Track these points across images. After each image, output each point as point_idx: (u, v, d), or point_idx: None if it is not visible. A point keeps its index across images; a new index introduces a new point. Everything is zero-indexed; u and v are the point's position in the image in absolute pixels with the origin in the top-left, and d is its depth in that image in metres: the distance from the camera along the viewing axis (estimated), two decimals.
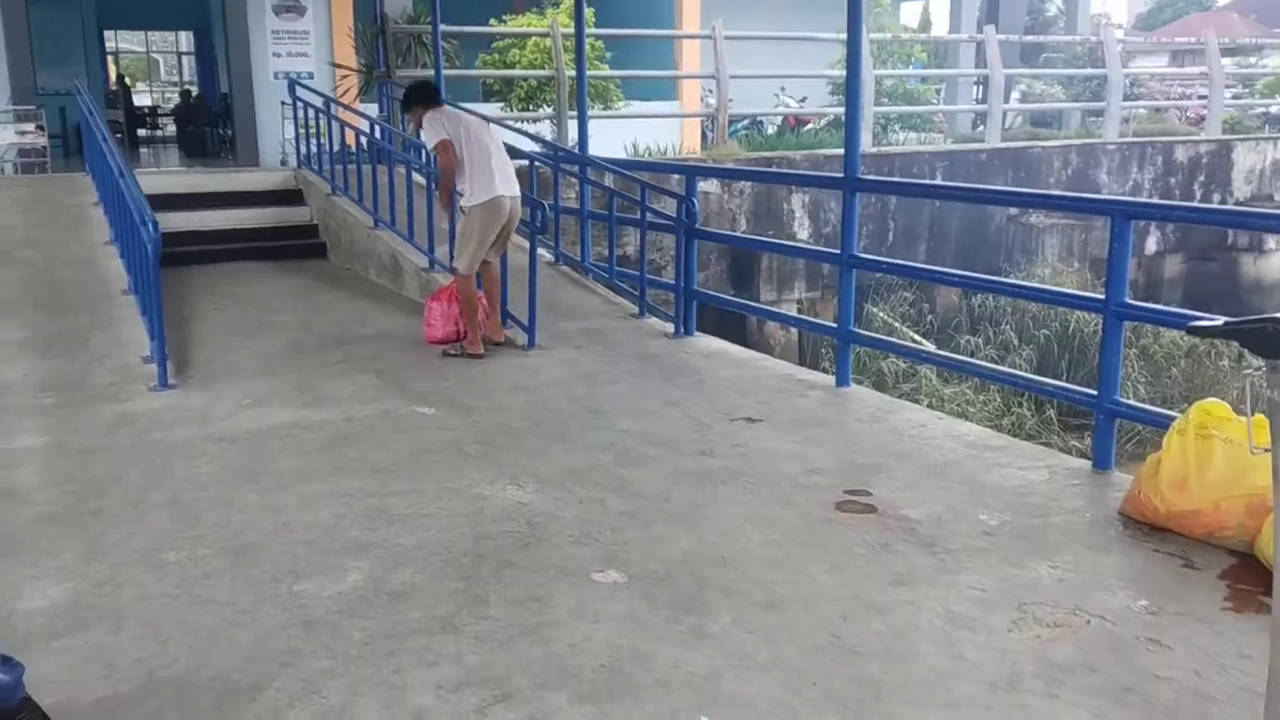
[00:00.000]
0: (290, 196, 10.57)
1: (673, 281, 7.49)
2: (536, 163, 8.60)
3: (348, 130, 9.83)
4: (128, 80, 25.02)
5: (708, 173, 10.37)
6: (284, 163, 13.78)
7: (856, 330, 6.24)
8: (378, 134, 9.65)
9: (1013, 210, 13.35)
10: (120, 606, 3.38)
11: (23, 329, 6.59)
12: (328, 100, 9.72)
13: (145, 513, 4.14)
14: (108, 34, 22.13)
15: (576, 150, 9.09)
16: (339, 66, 13.47)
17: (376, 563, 3.68)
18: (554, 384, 5.96)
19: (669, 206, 7.76)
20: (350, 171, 9.46)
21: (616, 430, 5.14)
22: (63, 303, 7.04)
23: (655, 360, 6.49)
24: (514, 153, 8.79)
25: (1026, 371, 10.76)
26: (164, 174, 11.16)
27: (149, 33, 25.72)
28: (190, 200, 10.11)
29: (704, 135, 17.28)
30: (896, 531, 3.91)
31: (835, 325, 6.18)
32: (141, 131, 20.36)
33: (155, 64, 28.47)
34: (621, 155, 13.36)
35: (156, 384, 5.83)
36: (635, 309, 7.60)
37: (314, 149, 10.45)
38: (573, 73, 12.44)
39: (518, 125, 11.70)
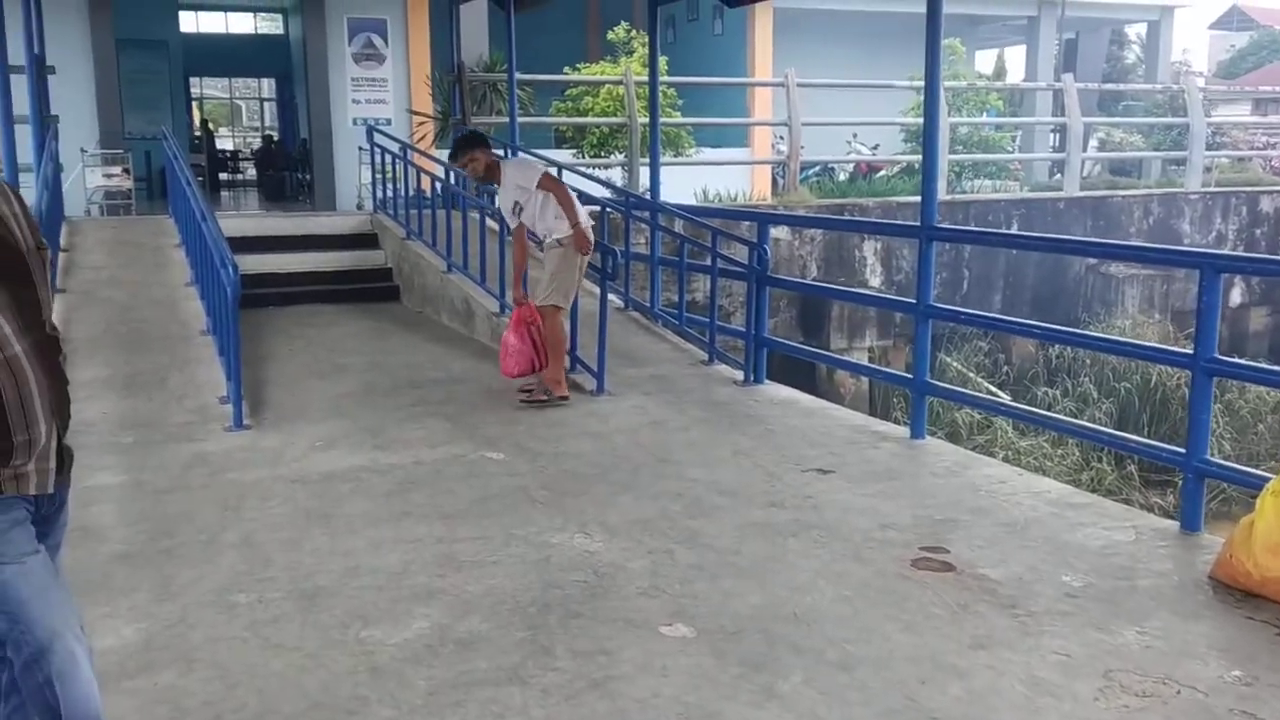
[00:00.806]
0: (366, 240, 10.75)
1: (742, 328, 7.45)
2: (608, 209, 8.65)
3: (423, 175, 10.00)
4: (211, 125, 25.81)
5: (780, 220, 10.37)
6: (360, 207, 14.06)
7: (932, 381, 6.14)
8: (452, 179, 9.80)
9: (1091, 260, 13.11)
10: (190, 648, 3.40)
11: (104, 367, 6.74)
12: (404, 146, 9.90)
13: (217, 553, 4.18)
14: (193, 81, 22.86)
15: (648, 197, 9.13)
16: (416, 113, 13.74)
17: (444, 610, 3.66)
18: (623, 431, 5.94)
19: (740, 253, 7.74)
20: (425, 216, 9.60)
21: (685, 479, 5.10)
22: (143, 342, 7.21)
23: (724, 408, 6.44)
24: (585, 199, 8.89)
25: (1106, 425, 10.52)
26: (243, 217, 11.44)
27: (232, 80, 26.51)
28: (268, 243, 10.33)
29: (775, 182, 17.29)
30: (975, 591, 3.80)
31: (909, 376, 6.09)
32: (223, 175, 20.92)
33: (238, 110, 29.32)
34: (692, 202, 13.41)
35: (232, 424, 5.91)
36: (704, 356, 7.57)
37: (390, 194, 10.64)
38: (645, 120, 12.57)
39: (589, 171, 11.83)
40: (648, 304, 8.52)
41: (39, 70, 9.97)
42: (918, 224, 5.79)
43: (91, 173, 13.28)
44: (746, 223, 9.11)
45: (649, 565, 4.05)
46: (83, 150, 13.15)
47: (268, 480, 5.09)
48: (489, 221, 8.53)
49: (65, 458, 2.32)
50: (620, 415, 6.26)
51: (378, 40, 15.22)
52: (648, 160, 12.90)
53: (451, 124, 12.09)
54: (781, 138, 18.60)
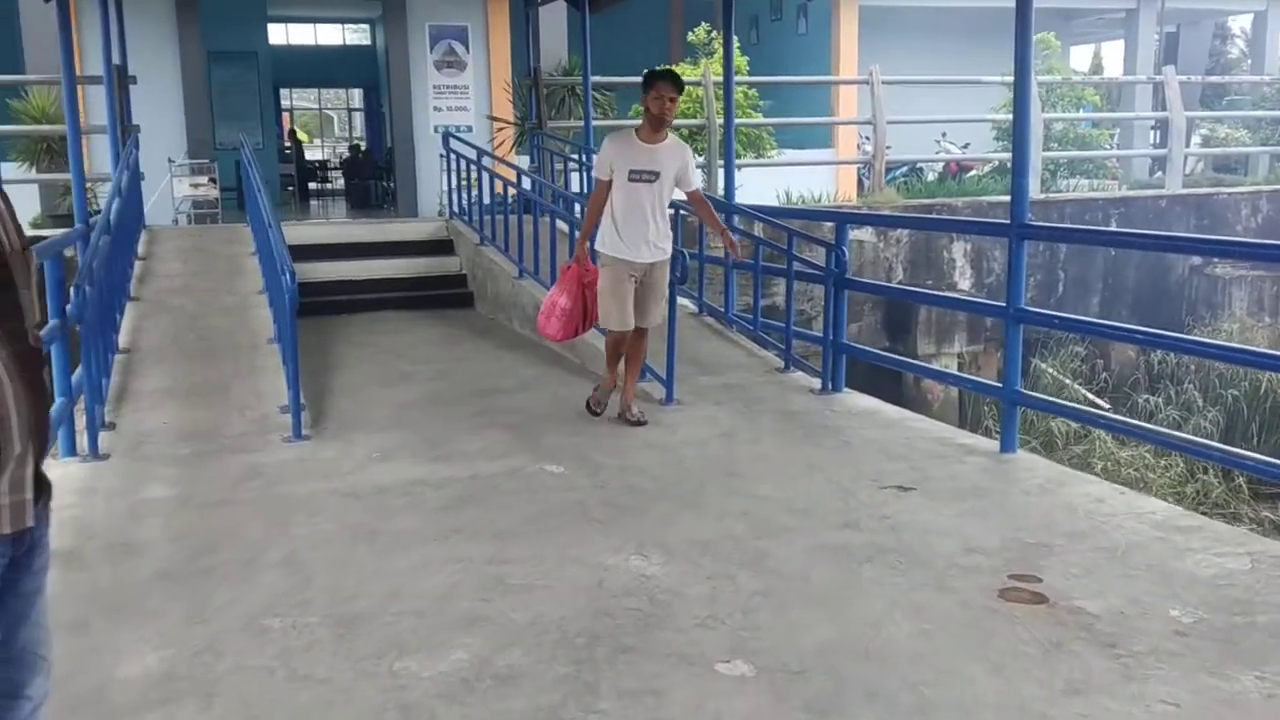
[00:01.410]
0: (441, 247, 10.60)
1: (821, 334, 7.06)
2: (682, 211, 8.33)
3: (497, 181, 9.80)
4: (301, 136, 26.14)
5: (860, 219, 9.94)
6: (441, 214, 13.98)
7: (1024, 391, 5.69)
8: (526, 184, 9.59)
9: (1196, 260, 12.39)
10: (214, 679, 3.17)
11: (168, 376, 6.64)
12: (479, 152, 9.71)
13: (256, 573, 3.97)
14: (283, 92, 23.14)
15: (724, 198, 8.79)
16: (495, 119, 13.60)
17: (485, 640, 3.38)
18: (690, 443, 5.62)
19: (819, 256, 7.36)
20: (499, 222, 9.39)
21: (754, 496, 4.75)
22: (209, 350, 7.10)
23: (799, 419, 6.06)
24: None
25: (1213, 435, 9.87)
26: (321, 225, 11.40)
27: (322, 90, 26.83)
28: (345, 250, 10.25)
29: (860, 182, 16.80)
30: (1071, 627, 3.39)
31: (1000, 385, 5.65)
32: (312, 185, 21.11)
33: (330, 120, 29.70)
34: (774, 204, 13.02)
35: (291, 435, 5.74)
36: (780, 363, 7.20)
37: (466, 200, 10.47)
38: (724, 121, 12.22)
39: None
40: (722, 309, 8.18)
41: (119, 80, 10.01)
42: (1007, 222, 5.36)
43: (179, 182, 13.41)
44: (827, 224, 8.73)
45: (708, 592, 3.72)
46: (170, 160, 13.28)
47: (320, 494, 4.88)
48: (559, 224, 8.29)
49: (43, 487, 2.06)
50: (689, 426, 5.93)
51: (459, 47, 15.14)
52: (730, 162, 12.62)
53: (527, 129, 11.89)
54: (867, 137, 18.10)
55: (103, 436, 5.67)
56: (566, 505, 4.68)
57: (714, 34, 14.12)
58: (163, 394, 6.38)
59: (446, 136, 10.62)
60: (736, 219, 8.41)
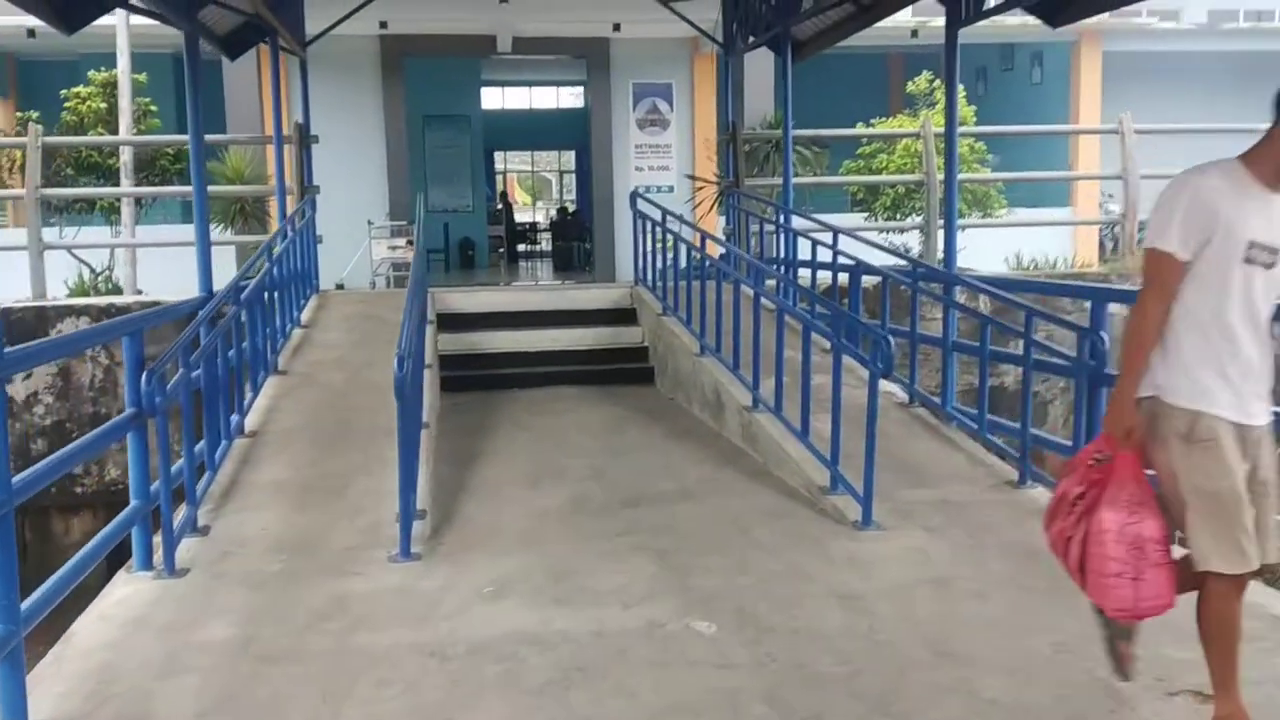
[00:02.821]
0: (624, 315, 9.47)
1: (1069, 441, 5.43)
2: (891, 279, 6.89)
3: (687, 245, 8.59)
4: (522, 198, 26.03)
5: (1121, 296, 8.07)
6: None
7: None
8: (717, 248, 8.34)
9: None
10: None
11: (289, 466, 5.71)
12: (664, 212, 8.55)
13: None
14: (497, 154, 22.97)
15: (943, 265, 7.27)
16: (694, 178, 12.49)
17: None
18: (889, 593, 4.14)
19: (1064, 338, 5.74)
20: (681, 289, 8.17)
21: (977, 696, 3.25)
22: (342, 435, 6.15)
23: (1042, 560, 4.42)
24: (866, 268, 7.15)
25: None
26: (501, 291, 10.51)
27: (536, 153, 26.67)
28: (522, 319, 9.27)
29: (1101, 245, 14.75)
30: None
31: None
32: (522, 246, 20.69)
33: (547, 183, 29.60)
34: (1003, 269, 11.28)
35: (397, 553, 4.63)
36: (1014, 474, 5.59)
37: (653, 265, 9.32)
38: (940, 175, 10.64)
39: (882, 237, 10.08)
40: (938, 398, 6.62)
41: (299, 139, 9.47)
42: None
43: (377, 244, 12.93)
44: (1069, 299, 7.06)
45: None
46: (369, 222, 12.84)
47: (402, 649, 3.70)
48: (743, 289, 6.99)
49: None
50: (889, 565, 4.45)
51: (662, 105, 14.20)
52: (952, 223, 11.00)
53: (724, 187, 10.68)
54: (1110, 195, 15.97)
55: (189, 545, 4.73)
56: (712, 694, 3.31)
57: (935, 83, 12.57)
58: (275, 489, 5.43)
59: (634, 196, 9.52)
60: (959, 291, 6.87)
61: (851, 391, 5.49)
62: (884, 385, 6.52)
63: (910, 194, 11.69)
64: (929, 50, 16.86)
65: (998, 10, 6.31)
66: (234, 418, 6.00)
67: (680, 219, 8.48)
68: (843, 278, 7.86)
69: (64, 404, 8.70)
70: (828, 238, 8.09)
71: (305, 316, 8.50)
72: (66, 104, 10.69)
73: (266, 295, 7.18)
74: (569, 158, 24.85)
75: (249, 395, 6.43)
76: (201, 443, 5.33)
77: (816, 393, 5.69)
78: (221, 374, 5.67)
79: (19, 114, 13.60)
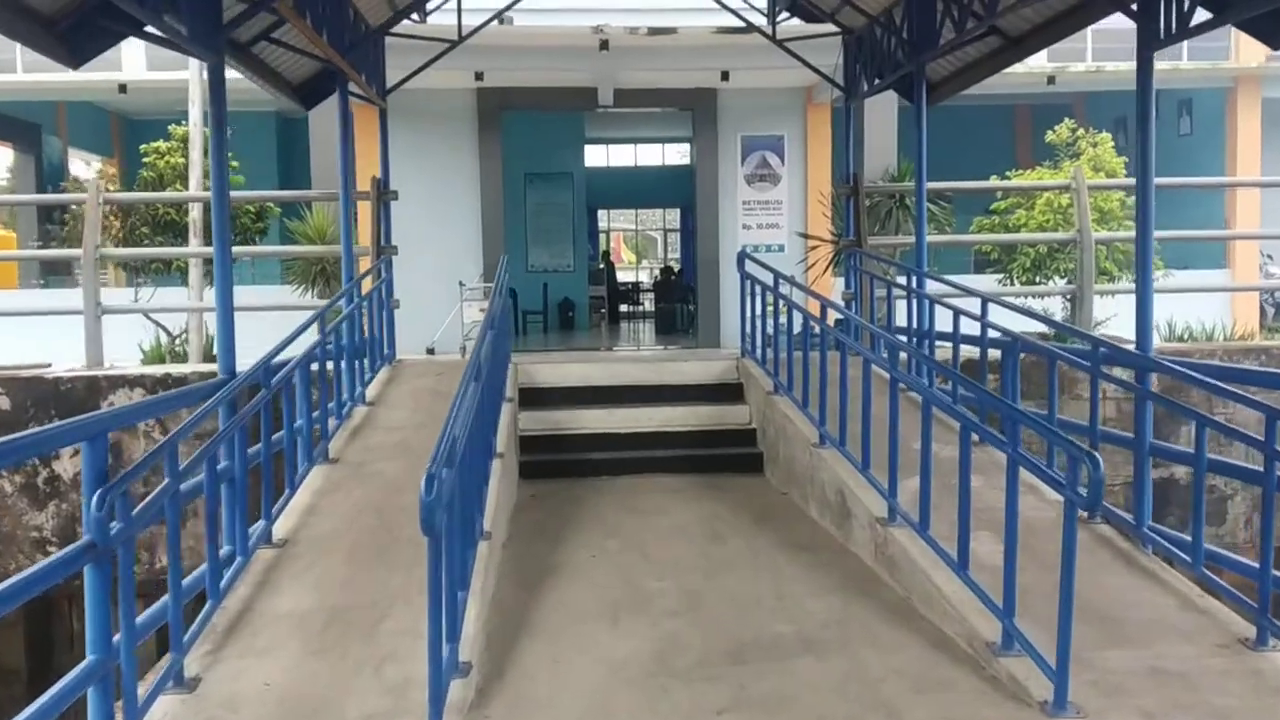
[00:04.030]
0: (728, 392, 8.19)
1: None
2: (1060, 358, 5.49)
3: (798, 311, 7.29)
4: (628, 256, 25.03)
5: None
6: None
7: None
8: (835, 316, 7.03)
9: None
10: None
11: (314, 590, 4.55)
12: (776, 275, 7.29)
13: None
14: (600, 212, 22.05)
15: (1098, 333, 5.82)
16: (807, 237, 11.20)
17: None
18: None
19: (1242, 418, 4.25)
20: (799, 363, 6.87)
21: None
22: (386, 548, 4.98)
23: None
24: (1026, 344, 5.75)
25: None
26: (588, 362, 9.27)
27: (639, 211, 25.70)
28: (612, 395, 8.09)
29: (1262, 311, 12.97)
30: None
31: None
32: (624, 307, 19.59)
33: (652, 241, 28.58)
34: (1154, 339, 9.67)
35: None
36: (1248, 630, 4.10)
37: (763, 333, 8.04)
38: (1101, 234, 9.18)
39: (1017, 300, 8.62)
40: (1130, 515, 5.15)
41: (376, 195, 8.51)
42: None
43: (469, 307, 11.91)
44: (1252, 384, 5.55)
45: None
46: (461, 284, 11.85)
47: None
48: (875, 369, 5.67)
49: None
50: None
51: (773, 159, 12.99)
52: (1103, 285, 9.48)
53: (842, 245, 9.36)
54: (1270, 256, 14.16)
55: (166, 707, 3.59)
56: None
57: (1079, 132, 11.07)
58: (293, 623, 4.27)
59: (741, 256, 8.30)
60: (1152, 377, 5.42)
61: (1026, 501, 4.10)
62: (1039, 485, 5.11)
63: (1054, 254, 10.18)
64: (1060, 101, 15.37)
65: (1205, 28, 4.92)
66: (260, 524, 4.89)
67: (793, 281, 7.21)
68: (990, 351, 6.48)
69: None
70: (966, 304, 6.73)
71: (372, 391, 7.44)
72: (145, 158, 9.99)
73: (319, 368, 6.13)
74: (674, 215, 23.76)
75: (284, 494, 5.33)
76: (202, 568, 4.22)
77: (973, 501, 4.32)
78: (239, 475, 4.58)
79: (119, 170, 13.16)
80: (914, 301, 7.53)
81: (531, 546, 5.65)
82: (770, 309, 7.53)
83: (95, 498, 3.22)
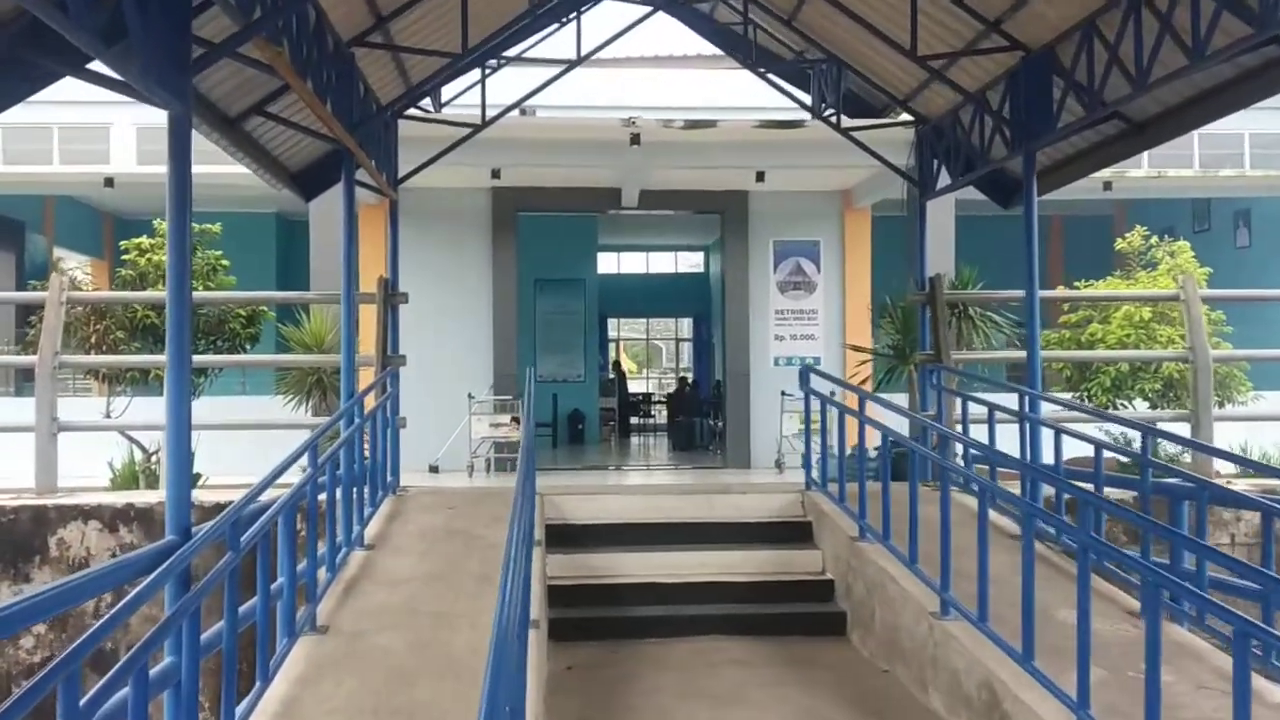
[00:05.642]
0: (794, 532, 6.77)
1: None
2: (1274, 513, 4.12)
3: (909, 445, 5.94)
4: (630, 366, 23.77)
5: None
6: (778, 464, 10.31)
7: None
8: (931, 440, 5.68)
9: None
10: None
11: None
12: (862, 395, 5.96)
13: None
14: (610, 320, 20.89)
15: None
16: (857, 349, 9.91)
17: None
18: None
19: None
20: (899, 502, 5.48)
21: None
22: None
23: None
24: (1222, 492, 4.37)
25: None
26: (624, 494, 7.78)
27: (650, 320, 24.56)
28: (654, 534, 6.67)
29: None
30: None
31: None
32: (634, 419, 18.20)
33: (657, 351, 27.36)
34: (1228, 468, 8.34)
35: None
36: None
37: (840, 462, 6.67)
38: (1218, 352, 7.92)
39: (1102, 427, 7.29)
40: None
41: (384, 297, 7.22)
42: None
43: (478, 421, 10.53)
44: None
45: None
46: (470, 396, 10.50)
47: None
48: (993, 516, 4.26)
49: None
50: None
51: (808, 266, 11.80)
52: (1219, 409, 8.19)
53: (918, 360, 8.04)
54: None
55: None
56: None
57: (1153, 240, 9.91)
58: None
59: (805, 371, 6.98)
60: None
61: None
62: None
63: (1136, 373, 8.91)
64: (1091, 212, 14.37)
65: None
66: None
67: (885, 402, 5.86)
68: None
69: (59, 636, 6.37)
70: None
71: (372, 531, 5.97)
72: (125, 255, 8.69)
73: (309, 503, 4.73)
74: (685, 324, 22.59)
75: (254, 689, 3.86)
76: None
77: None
78: (186, 677, 3.14)
79: (116, 272, 11.89)
80: (1025, 428, 6.16)
81: None
82: (839, 428, 6.18)
83: None
